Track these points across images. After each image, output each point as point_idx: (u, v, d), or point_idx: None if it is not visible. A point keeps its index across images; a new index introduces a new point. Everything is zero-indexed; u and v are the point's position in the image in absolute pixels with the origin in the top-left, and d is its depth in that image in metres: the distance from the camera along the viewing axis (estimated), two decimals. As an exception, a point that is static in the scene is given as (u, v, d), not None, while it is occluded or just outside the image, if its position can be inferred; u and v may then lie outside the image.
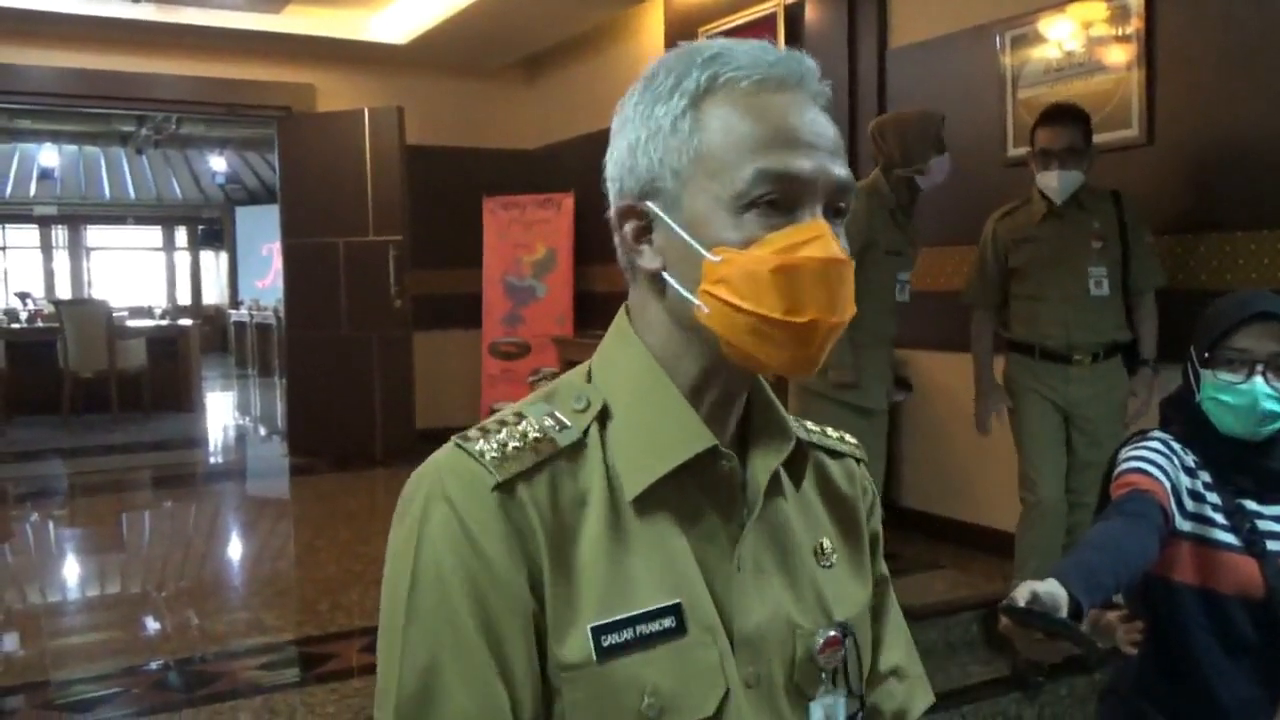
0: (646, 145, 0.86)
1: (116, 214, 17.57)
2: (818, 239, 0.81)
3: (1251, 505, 1.77)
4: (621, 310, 0.93)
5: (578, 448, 0.85)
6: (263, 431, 9.27)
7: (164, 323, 11.71)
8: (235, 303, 16.29)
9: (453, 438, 0.85)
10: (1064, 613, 1.39)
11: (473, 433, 0.85)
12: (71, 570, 4.82)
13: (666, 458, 0.84)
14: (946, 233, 4.26)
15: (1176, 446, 1.83)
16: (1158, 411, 1.98)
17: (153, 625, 3.90)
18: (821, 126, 0.85)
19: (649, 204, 0.86)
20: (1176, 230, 3.58)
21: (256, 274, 16.22)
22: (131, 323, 10.83)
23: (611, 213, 0.90)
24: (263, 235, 15.29)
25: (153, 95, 7.10)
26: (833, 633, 0.91)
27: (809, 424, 1.03)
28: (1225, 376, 1.75)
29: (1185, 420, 1.85)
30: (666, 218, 0.85)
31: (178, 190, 16.87)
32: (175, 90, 7.06)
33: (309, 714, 3.00)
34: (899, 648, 1.05)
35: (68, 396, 9.10)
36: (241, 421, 10.16)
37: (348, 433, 7.07)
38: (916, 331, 4.33)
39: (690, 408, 0.86)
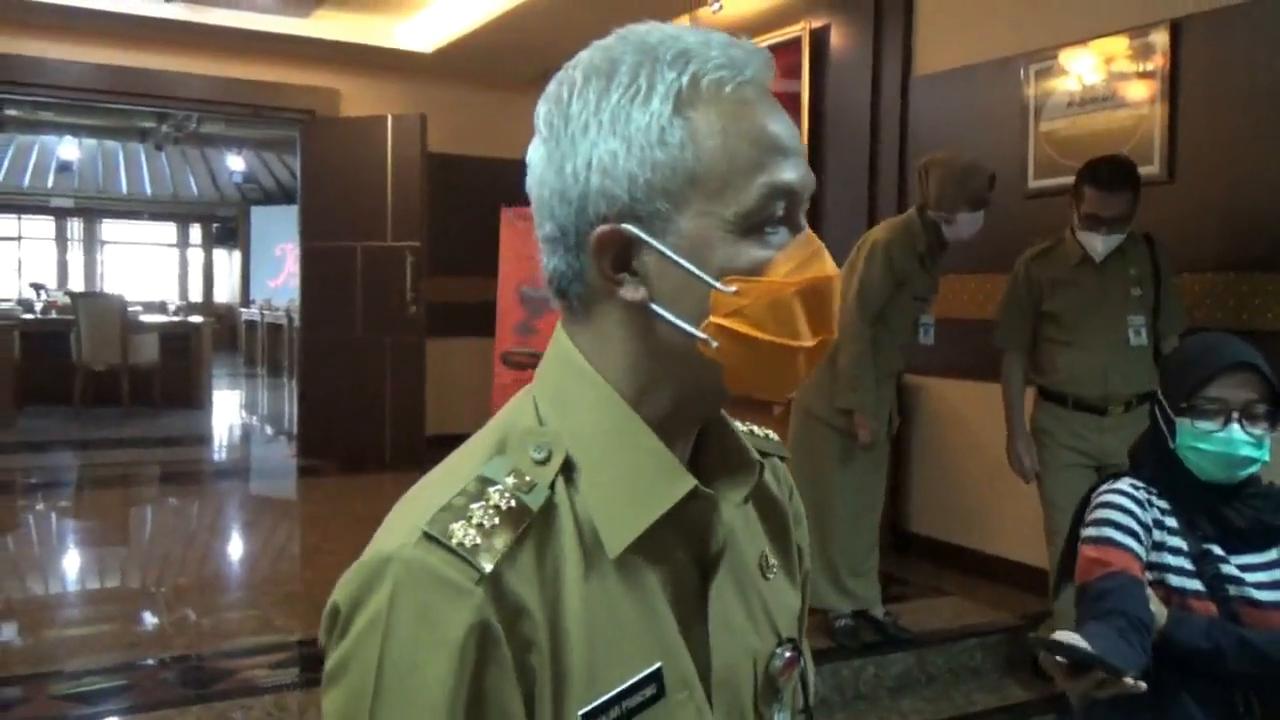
0: (623, 160, 0.74)
1: (132, 209, 17.67)
2: (818, 254, 0.76)
3: (1217, 551, 1.81)
4: (563, 341, 0.81)
5: (549, 509, 0.73)
6: (271, 431, 9.30)
7: (177, 319, 11.76)
8: (247, 301, 16.35)
9: (408, 521, 0.71)
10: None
11: (435, 514, 0.70)
12: (77, 563, 4.85)
13: (650, 506, 0.75)
14: (962, 262, 4.28)
15: (1144, 495, 1.87)
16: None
17: (161, 623, 3.91)
18: (793, 126, 0.78)
19: (632, 228, 0.74)
20: (1195, 269, 3.60)
21: (269, 274, 16.29)
22: (144, 317, 10.87)
23: (547, 234, 0.78)
24: (276, 235, 15.38)
25: (178, 94, 7.15)
26: (789, 654, 0.86)
27: (737, 424, 0.91)
28: (1203, 425, 1.81)
29: (1156, 465, 1.90)
30: (657, 244, 0.74)
31: (194, 187, 16.97)
32: (201, 90, 7.11)
33: (319, 714, 3.01)
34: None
35: (79, 388, 9.15)
36: (250, 420, 10.19)
37: (357, 436, 7.09)
38: (925, 359, 4.36)
39: (665, 448, 0.77)
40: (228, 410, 10.73)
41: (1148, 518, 1.86)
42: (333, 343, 7.16)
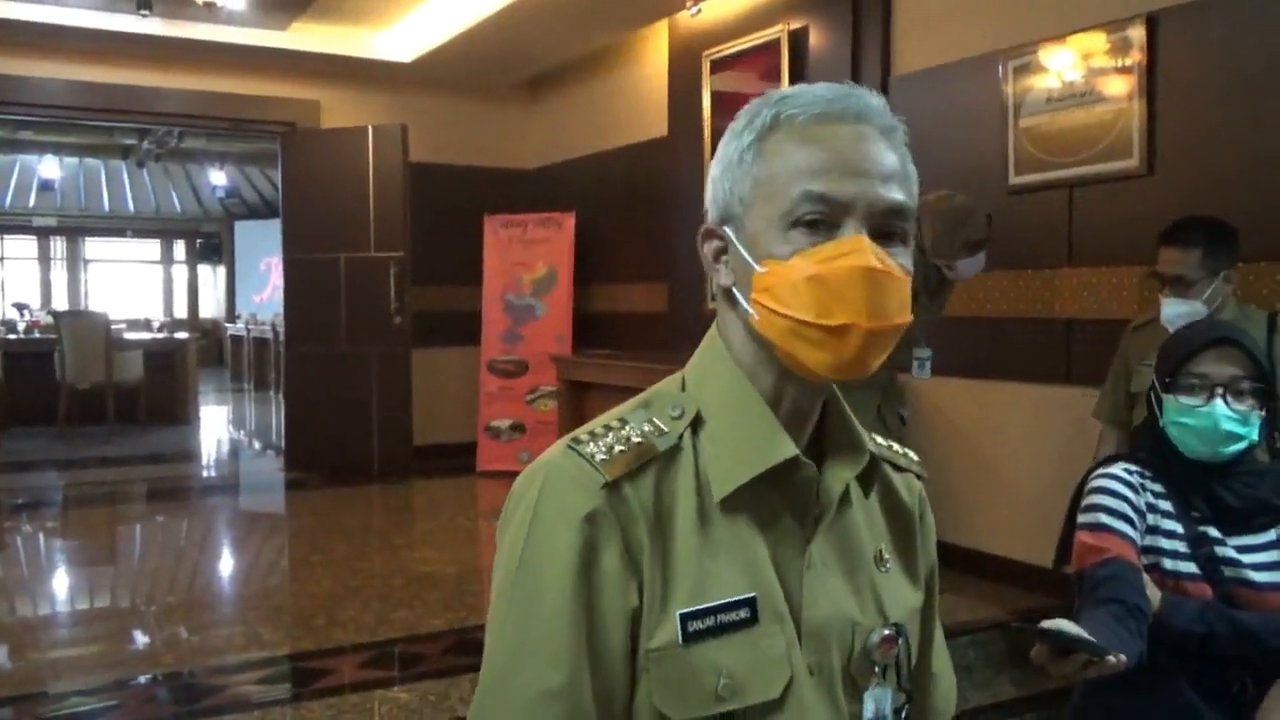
0: (723, 177, 0.97)
1: (115, 226, 17.59)
2: (856, 252, 0.89)
3: (1213, 533, 1.82)
4: (714, 326, 1.03)
5: (673, 452, 0.94)
6: (258, 446, 9.25)
7: (161, 335, 11.73)
8: (232, 317, 16.30)
9: (564, 440, 0.95)
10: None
11: (582, 435, 0.95)
12: (65, 582, 4.80)
13: (752, 464, 0.93)
14: (947, 259, 4.29)
15: (1138, 479, 1.87)
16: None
17: (147, 639, 3.88)
18: (876, 154, 0.93)
19: (724, 228, 0.97)
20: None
21: (254, 288, 16.25)
22: (129, 335, 10.84)
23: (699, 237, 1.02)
24: (261, 250, 15.34)
25: (158, 109, 7.13)
26: (888, 631, 0.99)
27: (878, 438, 1.12)
28: (1186, 401, 1.82)
29: (1150, 446, 1.90)
30: (735, 238, 0.96)
31: (177, 204, 16.91)
32: (180, 104, 7.08)
33: (306, 728, 3.00)
34: (943, 656, 1.17)
35: (64, 408, 9.10)
36: (237, 435, 10.14)
37: (345, 448, 7.06)
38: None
39: (774, 419, 0.95)
40: (215, 426, 10.68)
41: (1141, 502, 1.86)
42: (318, 355, 7.13)
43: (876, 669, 0.99)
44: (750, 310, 0.94)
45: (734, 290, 0.96)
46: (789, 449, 0.94)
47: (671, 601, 0.90)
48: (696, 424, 0.96)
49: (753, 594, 0.92)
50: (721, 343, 1.00)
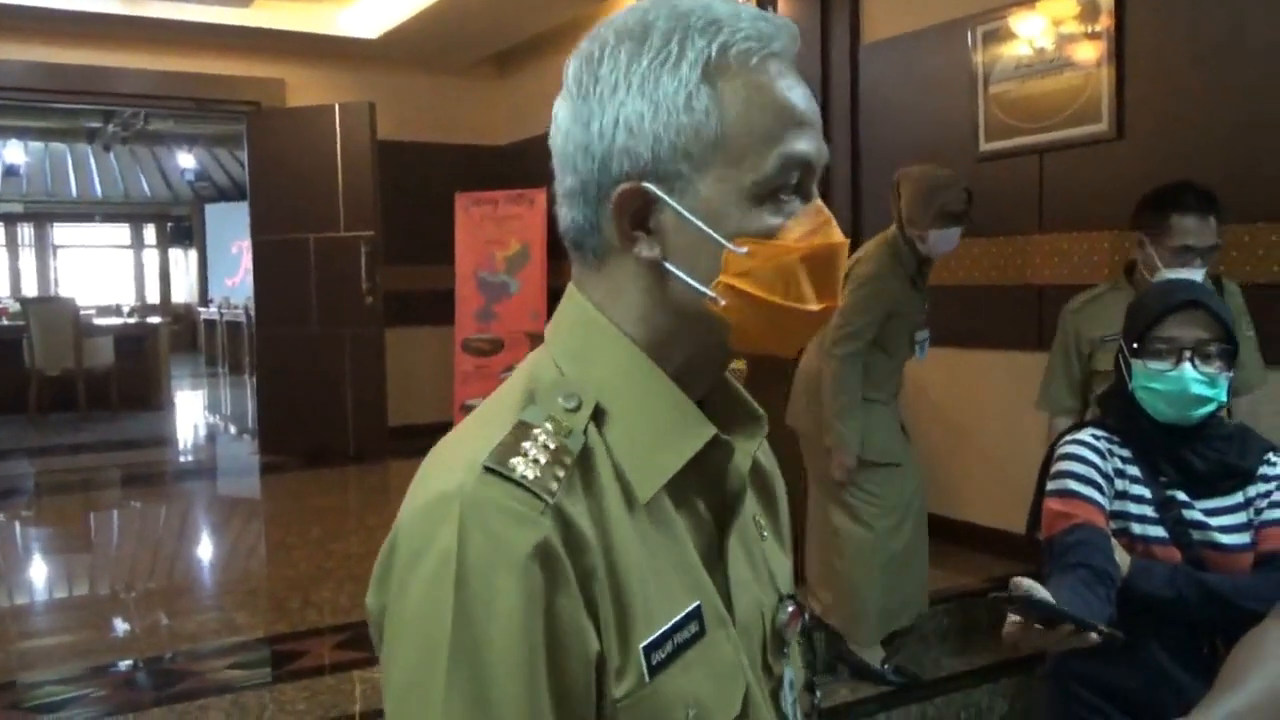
0: (651, 121, 0.77)
1: (84, 211, 17.37)
2: (827, 223, 0.80)
3: (1182, 497, 1.82)
4: (577, 297, 0.84)
5: (587, 454, 0.76)
6: (233, 430, 9.19)
7: (131, 320, 11.61)
8: (205, 301, 16.16)
9: (466, 461, 0.73)
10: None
11: (491, 450, 0.73)
12: (39, 570, 4.76)
13: (676, 452, 0.79)
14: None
15: (1105, 445, 1.87)
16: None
17: (121, 625, 3.85)
18: (813, 101, 0.81)
19: (652, 187, 0.78)
20: (1146, 224, 3.61)
21: (226, 272, 16.08)
22: (99, 321, 10.72)
23: (568, 188, 0.81)
24: (233, 233, 15.16)
25: (119, 90, 7.02)
26: (792, 607, 0.91)
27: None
28: (1155, 365, 1.81)
29: (1119, 411, 1.90)
30: (675, 204, 0.78)
31: (146, 187, 16.70)
32: (142, 85, 6.97)
33: (279, 712, 2.97)
34: None
35: (34, 395, 9.00)
36: (211, 420, 10.07)
37: (319, 430, 7.02)
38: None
39: (686, 399, 0.81)
40: (188, 411, 10.60)
41: (1108, 467, 1.86)
42: (290, 337, 7.07)
43: (786, 649, 0.90)
44: (710, 294, 0.78)
45: (669, 267, 0.79)
46: (708, 429, 0.80)
47: (632, 634, 0.74)
48: (598, 416, 0.78)
49: (697, 602, 0.79)
50: (603, 317, 0.82)
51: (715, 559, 0.84)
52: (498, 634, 0.68)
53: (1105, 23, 3.73)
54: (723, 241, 0.77)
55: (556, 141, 0.82)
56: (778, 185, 0.78)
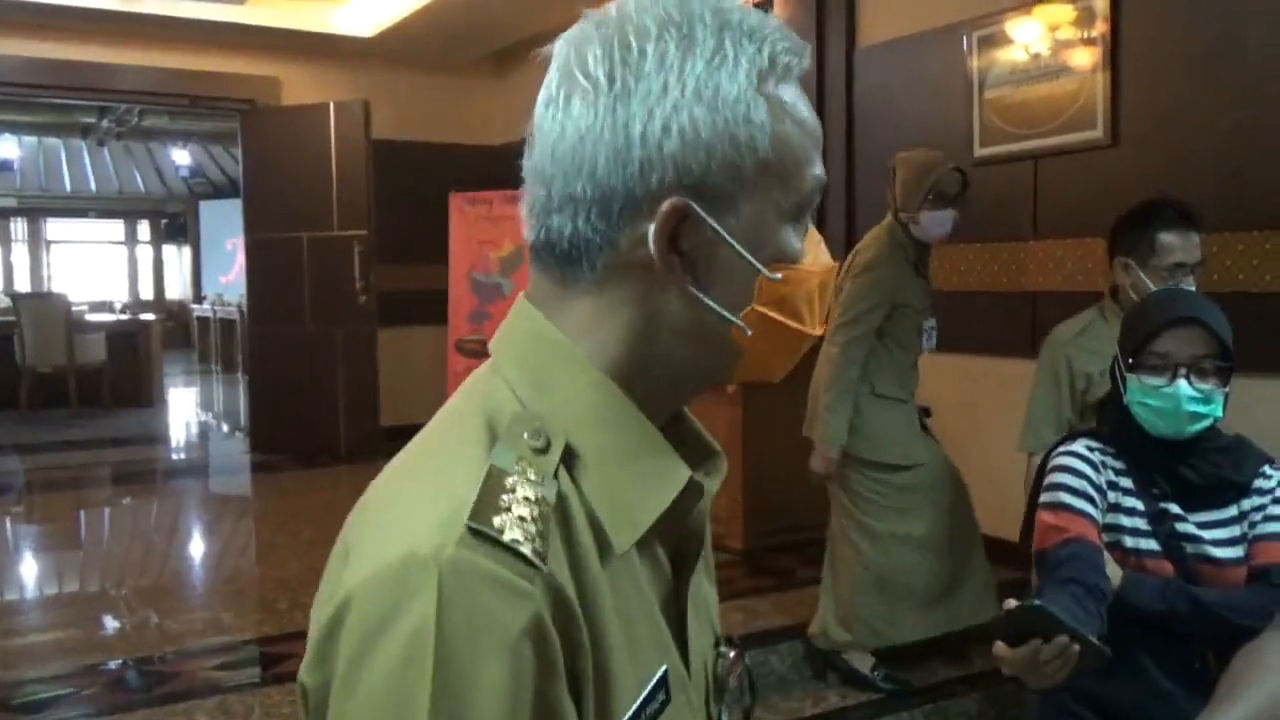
0: (707, 130, 0.68)
1: (77, 207, 17.32)
2: (820, 243, 0.78)
3: (1175, 509, 1.81)
4: (530, 311, 0.74)
5: (562, 503, 0.67)
6: (225, 428, 9.15)
7: (124, 317, 11.58)
8: (199, 298, 16.11)
9: (439, 520, 0.62)
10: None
11: (476, 508, 0.62)
12: (28, 568, 4.73)
13: (655, 498, 0.70)
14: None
15: (1099, 457, 1.86)
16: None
17: (110, 624, 3.83)
18: None
19: (694, 204, 0.69)
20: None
21: (220, 269, 16.04)
22: (91, 317, 10.68)
23: (575, 193, 0.70)
24: (227, 229, 15.12)
25: (114, 86, 6.99)
26: (733, 652, 0.84)
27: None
28: (1150, 380, 1.80)
29: (1115, 422, 1.89)
30: (717, 224, 0.69)
31: (140, 183, 16.65)
32: (137, 81, 6.94)
33: (265, 715, 2.95)
34: None
35: (25, 391, 8.97)
36: (204, 418, 10.03)
37: (311, 429, 6.99)
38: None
39: (660, 437, 0.72)
40: (181, 408, 10.56)
41: (1102, 480, 1.84)
42: (283, 336, 7.04)
43: (727, 694, 0.83)
44: (738, 323, 0.71)
45: (694, 292, 0.70)
46: (684, 471, 0.72)
47: (611, 709, 0.66)
48: (568, 457, 0.69)
49: (665, 667, 0.72)
50: (563, 337, 0.72)
51: (672, 607, 0.76)
52: (463, 689, 0.59)
53: (1101, 29, 3.73)
54: (760, 268, 0.71)
55: (566, 140, 0.70)
56: (808, 207, 0.74)
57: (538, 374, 0.72)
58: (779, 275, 0.72)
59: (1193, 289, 2.53)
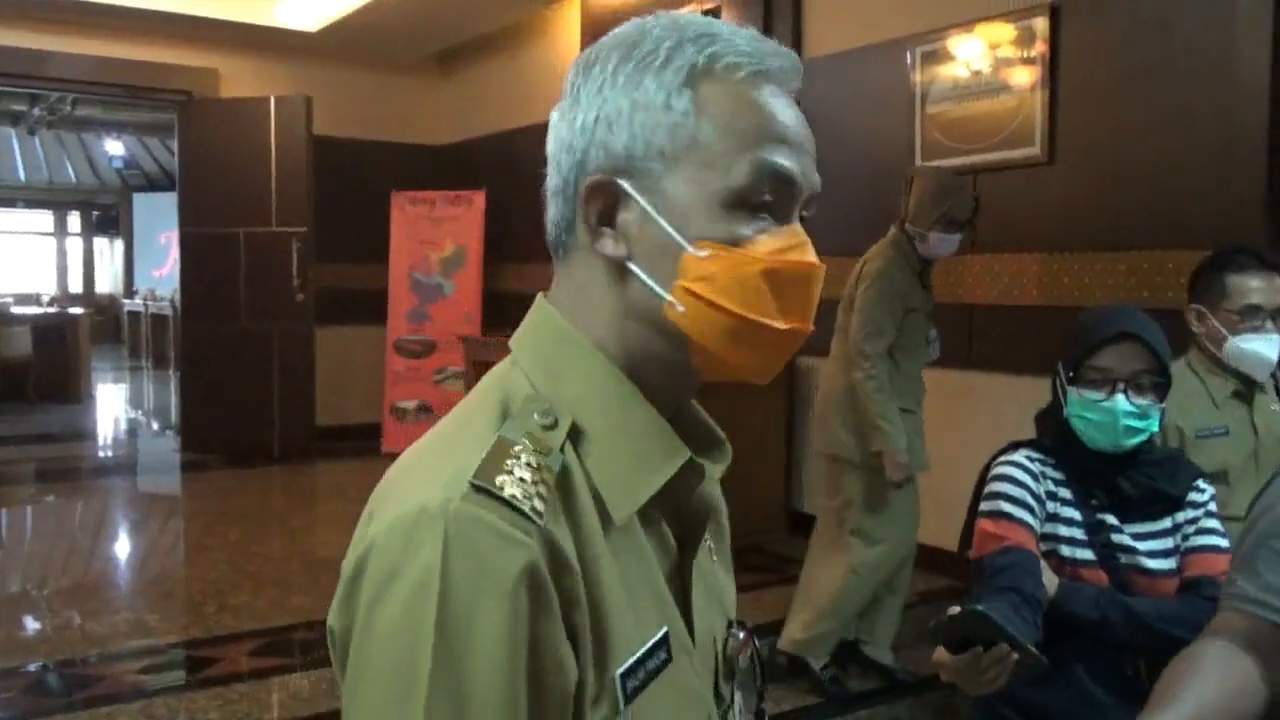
0: (629, 118, 0.77)
1: (5, 197, 16.85)
2: (801, 244, 0.79)
3: (1111, 520, 1.84)
4: (546, 308, 0.83)
5: (565, 474, 0.74)
6: (155, 426, 8.96)
7: (51, 310, 11.30)
8: (130, 292, 15.77)
9: (449, 477, 0.70)
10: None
11: (481, 468, 0.70)
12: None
13: (653, 475, 0.77)
14: (851, 243, 4.31)
15: (1039, 467, 1.89)
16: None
17: (31, 625, 3.72)
18: (807, 128, 0.81)
19: (623, 182, 0.77)
20: (1074, 248, 3.67)
21: (154, 263, 15.71)
22: (16, 309, 10.42)
23: (554, 186, 0.81)
24: (161, 223, 14.81)
25: (47, 73, 6.82)
26: (743, 634, 0.90)
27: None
28: (1089, 394, 1.83)
29: (1054, 433, 1.92)
30: (644, 201, 0.77)
31: (71, 174, 16.26)
32: (71, 69, 6.79)
33: (190, 719, 2.89)
34: None
35: (-55, 385, 8.72)
36: (133, 415, 9.81)
37: (245, 428, 6.87)
38: (816, 340, 4.37)
39: (662, 420, 0.79)
40: (109, 405, 10.32)
41: (1041, 489, 1.87)
42: (217, 332, 6.92)
43: (736, 675, 0.89)
44: (668, 298, 0.76)
45: (632, 267, 0.77)
46: (684, 451, 0.78)
47: (609, 661, 0.72)
48: (574, 434, 0.77)
49: (665, 629, 0.78)
50: (573, 329, 0.80)
51: (678, 582, 0.83)
52: (480, 661, 0.66)
53: (1040, 49, 3.80)
54: (683, 243, 0.76)
55: (549, 143, 0.82)
56: (749, 195, 0.76)
57: (550, 361, 0.80)
58: (705, 253, 0.75)
59: (1276, 338, 2.42)
